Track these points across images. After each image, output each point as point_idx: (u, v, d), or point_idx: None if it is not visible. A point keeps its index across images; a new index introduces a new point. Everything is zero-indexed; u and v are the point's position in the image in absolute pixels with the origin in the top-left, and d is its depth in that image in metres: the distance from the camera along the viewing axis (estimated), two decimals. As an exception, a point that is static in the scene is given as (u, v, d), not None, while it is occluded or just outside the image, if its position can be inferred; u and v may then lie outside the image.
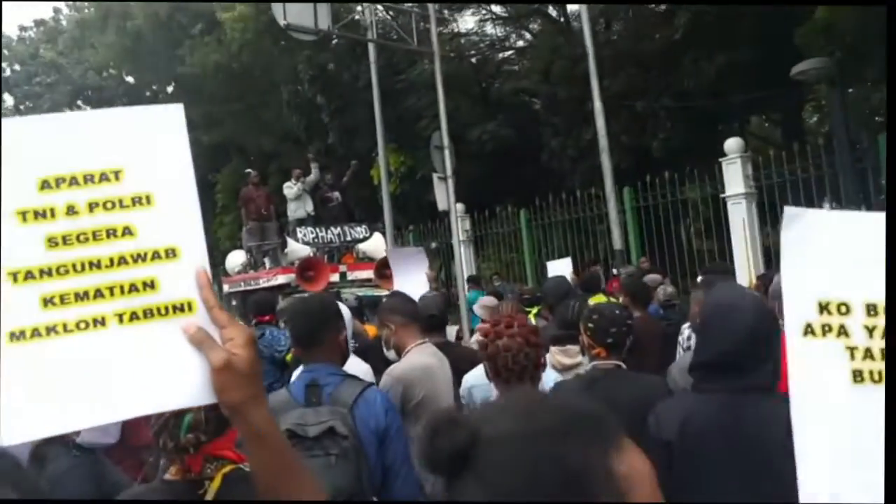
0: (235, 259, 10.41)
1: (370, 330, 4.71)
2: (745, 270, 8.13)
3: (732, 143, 9.37)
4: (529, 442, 0.64)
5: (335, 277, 8.76)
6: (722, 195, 9.46)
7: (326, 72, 16.11)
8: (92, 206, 0.91)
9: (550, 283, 4.75)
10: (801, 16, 9.47)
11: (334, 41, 14.94)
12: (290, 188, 10.64)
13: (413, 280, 5.51)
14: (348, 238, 9.56)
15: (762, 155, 9.50)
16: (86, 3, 24.81)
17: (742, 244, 8.98)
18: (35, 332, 0.86)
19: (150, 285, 0.91)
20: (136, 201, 0.92)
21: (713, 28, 11.40)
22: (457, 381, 3.32)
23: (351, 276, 9.01)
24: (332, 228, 9.59)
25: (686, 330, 3.94)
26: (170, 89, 22.47)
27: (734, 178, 9.27)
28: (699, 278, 7.46)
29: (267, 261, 9.82)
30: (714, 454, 1.93)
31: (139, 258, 0.91)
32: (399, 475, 2.09)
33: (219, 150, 19.42)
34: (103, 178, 0.91)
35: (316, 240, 9.38)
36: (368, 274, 8.80)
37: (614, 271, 8.49)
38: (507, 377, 2.23)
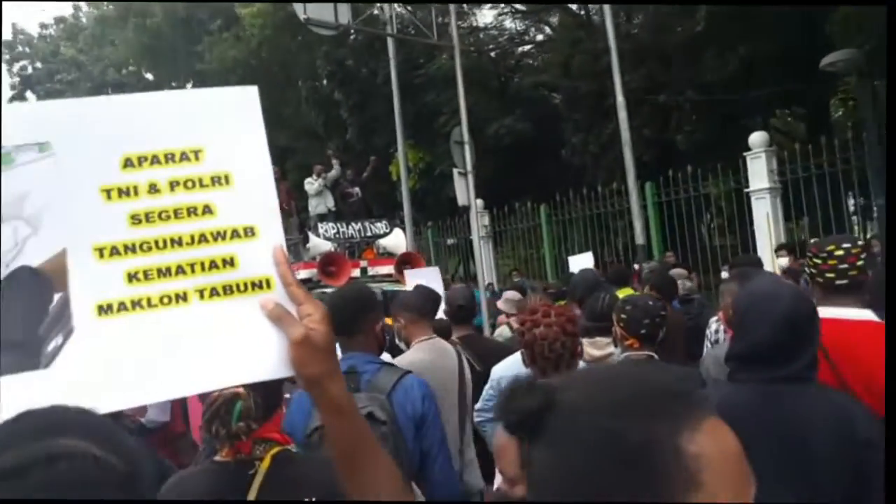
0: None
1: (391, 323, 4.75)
2: (769, 267, 8.05)
3: (757, 137, 9.26)
4: (594, 413, 0.64)
5: (356, 272, 8.80)
6: (746, 190, 9.36)
7: (345, 67, 16.16)
8: (173, 185, 0.93)
9: (578, 277, 4.73)
10: (826, 8, 9.32)
11: (352, 37, 14.98)
12: (311, 184, 10.71)
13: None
14: (369, 233, 9.59)
15: (787, 150, 9.36)
16: (105, 2, 25.08)
17: (766, 239, 8.89)
18: (121, 306, 0.89)
19: (229, 262, 0.93)
20: (216, 181, 0.94)
21: (736, 20, 11.24)
22: (485, 373, 3.33)
23: (371, 271, 9.05)
24: (353, 224, 9.63)
25: (714, 323, 3.91)
26: (189, 86, 22.68)
27: (758, 172, 9.16)
28: (724, 272, 7.41)
29: (288, 255, 9.88)
30: (749, 442, 1.92)
31: (219, 236, 0.93)
32: (436, 461, 2.11)
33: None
34: (184, 157, 0.93)
35: (337, 235, 9.43)
36: (389, 269, 8.83)
37: (636, 266, 8.44)
38: (544, 365, 2.24)
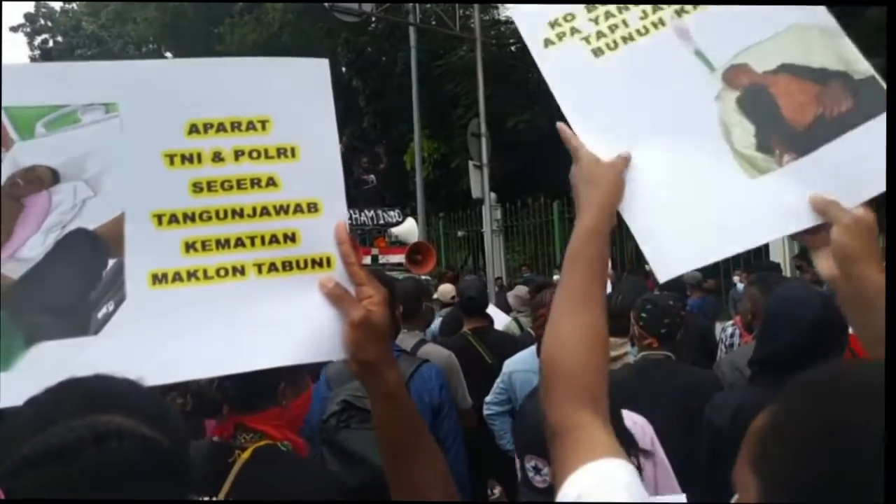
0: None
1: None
2: (783, 270, 8.00)
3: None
4: None
5: (367, 260, 8.82)
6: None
7: (364, 55, 16.13)
8: (238, 155, 0.90)
9: (627, 283, 4.71)
10: (850, 14, 9.21)
11: (373, 25, 14.94)
12: None
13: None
14: (381, 221, 9.62)
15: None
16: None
17: (778, 242, 8.82)
18: (176, 276, 0.86)
19: (290, 238, 0.90)
20: (282, 153, 0.91)
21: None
22: (495, 366, 3.33)
23: (382, 259, 9.07)
24: (366, 211, 9.65)
25: (729, 328, 3.90)
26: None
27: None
28: (735, 277, 7.35)
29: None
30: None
31: (282, 210, 0.90)
32: (451, 451, 2.11)
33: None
34: (250, 126, 0.91)
35: (350, 222, 9.44)
36: (400, 258, 8.85)
37: (648, 266, 8.40)
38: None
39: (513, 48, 16.88)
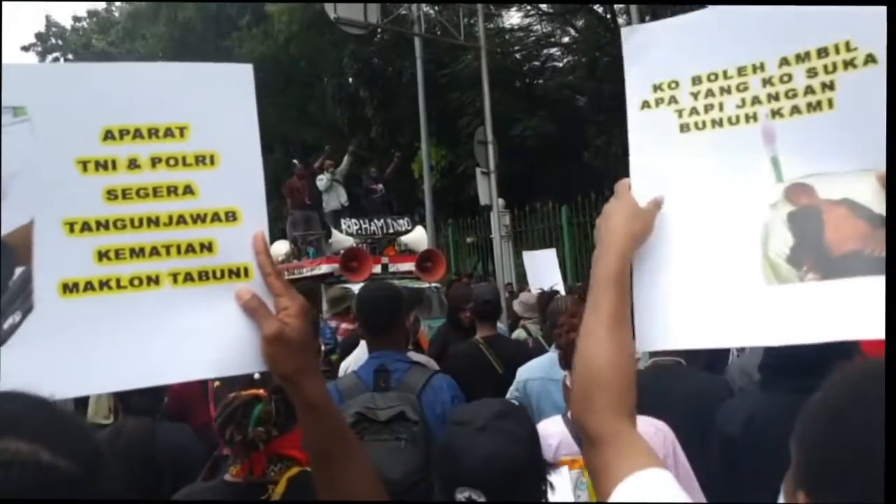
0: (279, 248, 10.58)
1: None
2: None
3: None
4: None
5: (377, 269, 8.85)
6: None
7: (371, 65, 16.24)
8: (155, 162, 0.87)
9: None
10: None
11: (379, 36, 15.05)
12: (321, 180, 10.76)
13: (548, 279, 6.70)
14: (391, 230, 9.64)
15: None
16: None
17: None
18: (88, 285, 0.83)
19: (207, 247, 0.87)
20: (200, 160, 0.88)
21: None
22: (506, 376, 3.32)
23: (392, 267, 9.09)
24: (376, 220, 9.68)
25: (740, 332, 3.88)
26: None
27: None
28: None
29: (311, 250, 9.98)
30: (778, 451, 1.91)
31: (199, 219, 0.88)
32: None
33: (262, 141, 19.73)
34: (168, 133, 0.88)
35: (360, 231, 9.49)
36: (410, 266, 8.86)
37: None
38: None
39: (517, 55, 16.95)
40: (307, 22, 15.94)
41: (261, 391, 1.35)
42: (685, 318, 1.00)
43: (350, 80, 16.61)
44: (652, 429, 1.85)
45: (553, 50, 17.87)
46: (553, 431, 1.89)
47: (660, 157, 1.07)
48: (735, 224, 1.00)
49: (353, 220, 9.67)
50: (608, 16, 15.79)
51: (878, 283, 0.88)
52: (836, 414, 0.65)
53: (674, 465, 1.84)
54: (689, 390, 2.38)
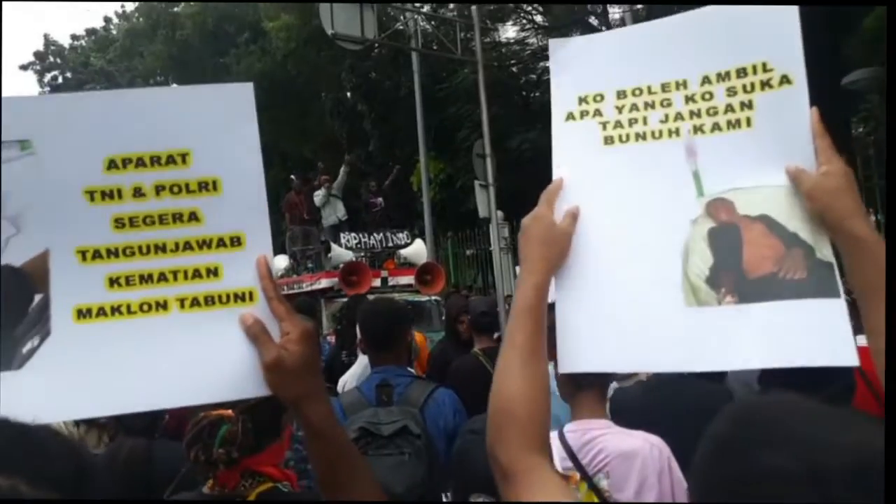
0: (278, 263, 10.61)
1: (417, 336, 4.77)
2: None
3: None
4: None
5: (377, 282, 8.87)
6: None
7: (369, 80, 16.36)
8: (159, 190, 0.89)
9: None
10: (846, 27, 9.26)
11: (376, 51, 15.17)
12: (317, 196, 10.80)
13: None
14: (390, 244, 9.66)
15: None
16: (136, 13, 25.65)
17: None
18: (101, 311, 0.86)
19: (213, 272, 0.89)
20: (203, 186, 0.90)
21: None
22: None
23: (392, 281, 9.10)
24: (375, 234, 9.71)
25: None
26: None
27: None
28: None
29: (310, 264, 9.99)
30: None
31: (204, 244, 0.89)
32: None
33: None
34: (170, 160, 0.89)
35: (359, 245, 9.51)
36: (409, 279, 8.88)
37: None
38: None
39: (514, 69, 17.06)
40: (305, 38, 16.07)
41: (228, 412, 1.36)
42: (606, 340, 1.00)
43: (348, 94, 16.72)
44: (647, 444, 1.84)
45: (549, 63, 17.99)
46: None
47: (583, 168, 1.07)
48: (657, 241, 1.00)
49: (353, 234, 9.70)
50: (603, 28, 15.93)
51: (790, 308, 0.90)
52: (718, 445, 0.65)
53: (669, 482, 1.83)
54: (690, 400, 2.39)
